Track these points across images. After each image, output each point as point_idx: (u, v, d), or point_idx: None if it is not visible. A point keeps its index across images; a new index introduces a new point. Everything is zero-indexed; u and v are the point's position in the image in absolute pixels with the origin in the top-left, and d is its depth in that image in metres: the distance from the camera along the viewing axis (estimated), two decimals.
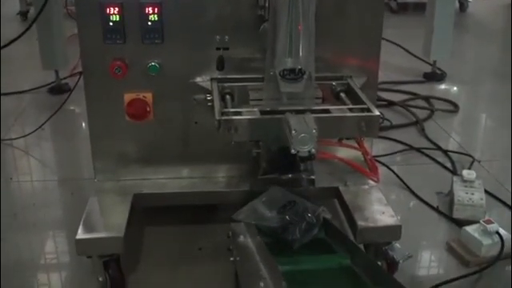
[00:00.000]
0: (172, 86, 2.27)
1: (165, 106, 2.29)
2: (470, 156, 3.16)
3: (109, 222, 2.19)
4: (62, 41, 3.88)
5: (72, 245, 2.09)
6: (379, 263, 2.11)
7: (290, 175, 2.27)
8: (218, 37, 2.22)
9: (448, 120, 3.73)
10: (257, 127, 1.98)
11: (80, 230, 2.08)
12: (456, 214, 2.61)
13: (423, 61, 4.48)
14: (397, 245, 2.18)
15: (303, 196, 2.18)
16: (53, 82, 4.05)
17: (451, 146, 3.35)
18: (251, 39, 2.22)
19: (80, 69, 2.34)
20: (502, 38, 5.19)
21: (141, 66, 2.23)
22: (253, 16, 2.20)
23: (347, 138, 2.23)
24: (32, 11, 5.41)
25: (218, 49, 2.23)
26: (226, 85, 2.21)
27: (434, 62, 4.36)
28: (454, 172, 3.00)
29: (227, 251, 2.10)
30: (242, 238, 2.00)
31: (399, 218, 2.19)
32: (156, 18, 2.18)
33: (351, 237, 2.17)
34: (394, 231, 2.15)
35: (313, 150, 1.87)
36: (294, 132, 1.85)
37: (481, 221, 2.39)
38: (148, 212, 2.43)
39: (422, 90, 4.15)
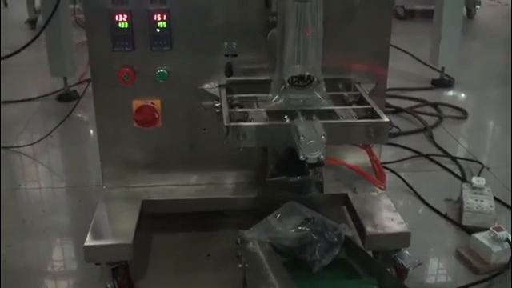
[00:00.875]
0: (180, 93, 2.28)
1: (173, 112, 2.29)
2: (479, 163, 3.15)
3: (117, 228, 2.19)
4: (71, 48, 3.90)
5: (80, 251, 2.08)
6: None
7: (298, 177, 2.23)
8: (226, 43, 2.22)
9: (457, 126, 3.72)
10: (265, 133, 1.98)
11: (88, 237, 2.08)
12: (465, 221, 2.60)
13: (431, 67, 4.47)
14: (406, 252, 2.17)
15: (313, 203, 2.16)
16: (61, 90, 4.07)
17: (460, 152, 3.34)
18: (259, 46, 2.22)
19: (88, 76, 2.35)
20: (510, 44, 5.17)
21: (149, 72, 2.23)
22: (261, 22, 2.20)
23: (356, 145, 2.22)
24: (40, 19, 5.44)
25: (226, 55, 2.23)
26: (235, 96, 2.20)
27: (442, 68, 4.35)
28: (463, 179, 2.99)
29: (236, 258, 2.10)
30: (250, 245, 1.99)
31: (408, 224, 2.17)
32: (164, 25, 2.18)
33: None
34: (403, 238, 2.14)
35: (321, 157, 1.86)
36: (302, 138, 1.84)
37: (490, 228, 2.37)
38: (156, 218, 2.43)
39: (431, 96, 4.15)
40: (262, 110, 2.05)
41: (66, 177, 3.16)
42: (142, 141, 2.34)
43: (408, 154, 3.27)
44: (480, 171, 3.06)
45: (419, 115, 3.78)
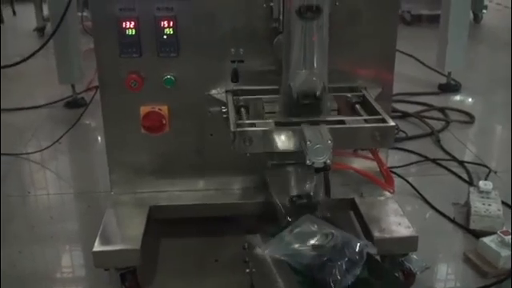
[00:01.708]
0: (187, 99, 2.29)
1: (180, 118, 2.31)
2: (486, 167, 3.14)
3: (125, 234, 2.20)
4: (79, 56, 3.93)
5: (89, 257, 2.10)
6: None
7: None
8: (232, 49, 2.24)
9: (464, 131, 3.72)
10: (272, 138, 1.98)
11: (97, 243, 2.10)
12: (473, 225, 2.59)
13: (438, 72, 4.47)
14: (414, 256, 2.17)
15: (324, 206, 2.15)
16: (69, 97, 4.09)
17: (467, 156, 3.33)
18: (265, 52, 2.23)
19: (96, 83, 2.37)
20: (510, 47, 5.17)
21: (156, 79, 2.25)
22: (267, 28, 2.21)
23: (362, 149, 2.22)
24: (48, 27, 5.48)
25: (232, 61, 2.25)
26: (241, 98, 2.22)
27: (449, 73, 4.35)
28: (470, 183, 2.99)
29: (243, 263, 2.11)
30: (258, 250, 2.00)
31: (415, 229, 2.18)
32: (171, 32, 2.20)
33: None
34: (410, 242, 2.14)
35: (328, 161, 1.87)
36: (308, 143, 1.85)
37: (498, 232, 2.37)
38: (164, 224, 2.44)
39: (437, 101, 4.15)
40: (270, 121, 2.06)
41: (74, 183, 3.18)
42: (150, 147, 2.35)
43: (415, 158, 3.27)
44: (487, 175, 3.05)
45: (426, 120, 3.78)
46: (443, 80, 4.41)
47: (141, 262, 2.10)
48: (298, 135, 1.94)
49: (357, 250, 1.80)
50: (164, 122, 2.29)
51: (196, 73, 2.27)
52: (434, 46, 4.32)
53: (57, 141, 3.39)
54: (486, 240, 2.39)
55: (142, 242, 2.10)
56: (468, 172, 3.11)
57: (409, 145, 3.41)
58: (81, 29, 4.07)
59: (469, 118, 3.87)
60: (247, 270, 2.07)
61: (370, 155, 2.30)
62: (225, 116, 2.17)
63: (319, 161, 1.86)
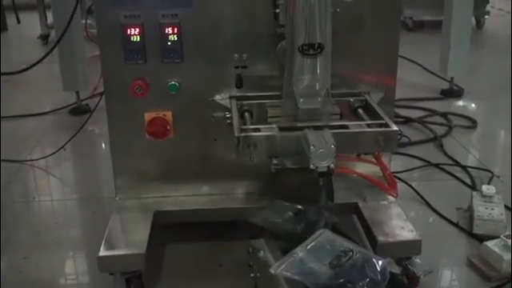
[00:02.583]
0: (191, 105, 2.31)
1: (185, 124, 2.32)
2: (489, 171, 3.15)
3: (130, 239, 2.22)
4: (83, 63, 3.95)
5: (94, 262, 2.11)
6: None
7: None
8: (236, 55, 2.26)
9: (466, 136, 3.73)
10: (275, 143, 2.00)
11: (102, 248, 2.11)
12: (476, 230, 2.60)
13: (440, 77, 4.48)
14: (417, 260, 2.18)
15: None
16: (74, 103, 4.11)
17: (470, 161, 3.34)
18: (269, 57, 2.25)
19: (100, 90, 2.38)
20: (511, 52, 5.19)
21: (161, 85, 2.27)
22: (270, 34, 2.23)
23: (365, 154, 2.23)
24: (53, 34, 5.51)
25: (236, 67, 2.27)
26: (245, 102, 2.24)
27: (452, 78, 4.36)
28: (473, 187, 3.00)
29: (248, 267, 2.12)
30: (262, 254, 2.01)
31: (419, 233, 2.19)
32: (175, 38, 2.22)
33: None
34: (414, 246, 2.15)
35: (331, 166, 1.89)
36: (312, 148, 1.87)
37: (501, 236, 2.38)
38: (169, 229, 2.45)
39: (440, 106, 4.16)
40: (274, 126, 2.08)
41: (79, 189, 3.20)
42: (154, 152, 2.37)
43: (418, 163, 3.28)
44: (490, 180, 3.06)
45: (429, 125, 3.79)
46: (446, 85, 4.42)
47: (146, 267, 2.11)
48: (301, 140, 1.95)
49: (379, 269, 1.68)
50: (168, 127, 2.31)
51: (200, 79, 2.28)
52: (437, 52, 4.34)
53: (62, 147, 3.41)
54: (489, 244, 2.39)
55: (146, 246, 2.11)
56: (471, 177, 3.12)
57: (412, 150, 3.42)
58: (84, 36, 4.09)
59: (471, 123, 3.88)
60: (252, 275, 2.09)
61: (373, 160, 2.31)
62: (228, 121, 2.18)
63: (323, 165, 1.88)
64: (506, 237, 2.36)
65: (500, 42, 6.09)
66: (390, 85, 2.39)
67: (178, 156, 2.38)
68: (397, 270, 1.80)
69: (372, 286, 1.64)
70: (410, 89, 4.31)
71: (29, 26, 6.45)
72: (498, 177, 3.11)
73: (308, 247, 1.78)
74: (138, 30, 2.20)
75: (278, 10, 2.16)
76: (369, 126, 2.12)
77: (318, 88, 2.04)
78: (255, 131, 2.04)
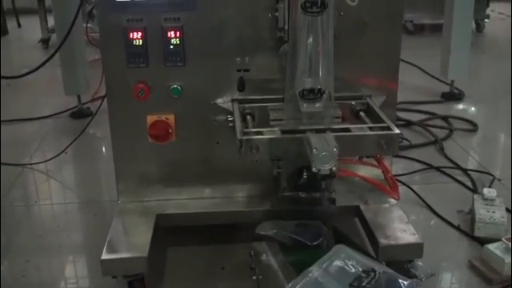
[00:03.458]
0: (194, 108, 2.32)
1: (187, 127, 2.33)
2: (490, 174, 3.16)
3: (133, 242, 2.22)
4: (84, 66, 3.96)
5: (97, 265, 2.11)
6: None
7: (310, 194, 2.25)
8: (238, 59, 2.27)
9: (467, 139, 3.73)
10: (278, 146, 2.01)
11: (105, 251, 2.12)
12: (477, 232, 2.60)
13: (441, 81, 4.49)
14: (419, 263, 2.18)
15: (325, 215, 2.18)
16: (75, 107, 4.12)
17: (471, 164, 3.34)
18: (271, 60, 2.26)
19: (102, 93, 2.39)
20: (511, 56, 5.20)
21: (163, 88, 2.28)
22: (272, 38, 2.24)
23: (367, 157, 2.24)
24: (53, 38, 5.52)
25: (238, 70, 2.27)
26: (247, 105, 2.24)
27: (452, 81, 4.37)
28: (474, 190, 3.00)
29: (250, 270, 2.12)
30: (264, 257, 2.01)
31: (420, 236, 2.19)
32: (178, 42, 2.23)
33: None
34: (415, 249, 2.16)
35: (334, 168, 1.89)
36: (314, 151, 1.88)
37: (503, 238, 2.38)
38: (171, 232, 2.46)
39: (441, 109, 4.16)
40: (276, 129, 2.09)
41: (80, 192, 3.20)
42: (157, 155, 2.38)
43: (419, 166, 3.29)
44: (491, 183, 3.07)
45: (429, 128, 3.80)
46: (446, 89, 4.42)
47: (148, 270, 2.11)
48: (304, 143, 1.96)
49: None
50: (170, 130, 2.31)
51: (202, 82, 2.29)
52: (437, 55, 4.34)
53: (63, 151, 3.41)
54: (491, 247, 2.40)
55: (149, 249, 2.11)
56: (472, 180, 3.12)
57: (413, 153, 3.43)
58: (85, 40, 4.10)
59: (472, 127, 3.89)
60: (254, 277, 2.09)
61: (375, 163, 2.31)
62: (231, 124, 2.19)
63: (325, 168, 1.89)
64: (508, 239, 2.36)
65: (500, 46, 6.10)
66: (392, 88, 2.40)
67: (180, 159, 2.38)
68: None
69: None
70: (411, 92, 4.32)
71: (29, 30, 6.45)
72: (499, 180, 3.11)
73: (324, 265, 1.65)
74: (140, 33, 2.21)
75: (277, 14, 2.17)
76: (371, 129, 2.12)
77: (320, 91, 2.04)
78: (257, 134, 2.04)
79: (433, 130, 3.78)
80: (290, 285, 1.66)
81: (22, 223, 2.85)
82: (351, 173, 2.35)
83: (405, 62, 3.88)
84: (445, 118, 4.00)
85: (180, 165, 2.40)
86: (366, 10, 2.27)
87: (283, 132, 2.06)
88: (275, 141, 2.01)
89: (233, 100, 2.30)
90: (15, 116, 4.00)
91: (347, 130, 2.10)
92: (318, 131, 2.01)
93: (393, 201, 2.37)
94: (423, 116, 4.02)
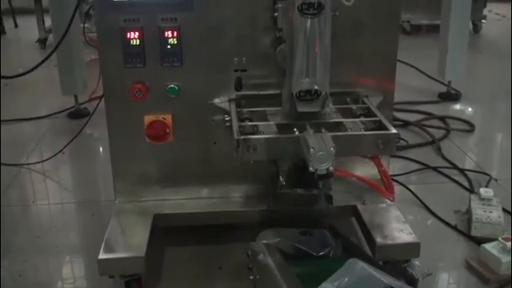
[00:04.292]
0: (191, 108, 2.32)
1: (184, 127, 2.33)
2: (487, 174, 3.16)
3: (130, 242, 2.22)
4: (82, 67, 3.96)
5: (94, 265, 2.11)
6: None
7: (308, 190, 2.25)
8: (235, 59, 2.27)
9: (464, 139, 3.74)
10: (275, 146, 2.01)
11: (102, 251, 2.12)
12: (474, 232, 2.61)
13: (438, 81, 4.50)
14: (416, 262, 2.18)
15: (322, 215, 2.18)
16: (72, 107, 4.11)
17: (468, 164, 3.35)
18: (268, 61, 2.26)
19: (99, 94, 2.38)
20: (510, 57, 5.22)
21: (160, 88, 2.28)
22: (270, 38, 2.24)
23: (364, 156, 2.24)
24: (51, 39, 5.52)
25: (235, 70, 2.27)
26: (245, 110, 2.24)
27: (449, 82, 4.37)
28: (471, 190, 3.01)
29: (247, 270, 2.13)
30: (261, 256, 2.02)
31: (417, 235, 2.19)
32: (175, 42, 2.23)
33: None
34: (412, 248, 2.17)
35: (331, 168, 1.89)
36: (312, 150, 1.88)
37: (499, 238, 2.39)
38: (168, 232, 2.46)
39: (438, 110, 4.17)
40: (272, 123, 2.09)
41: (77, 193, 3.20)
42: (154, 155, 2.38)
43: (416, 166, 3.29)
44: (488, 183, 3.07)
45: (427, 128, 3.81)
46: (443, 89, 4.43)
47: (145, 270, 2.11)
48: (301, 142, 1.96)
49: None
50: (168, 130, 2.31)
51: (199, 82, 2.29)
52: (434, 56, 4.35)
53: (60, 151, 3.41)
54: (488, 246, 2.40)
55: (146, 249, 2.12)
56: (469, 180, 3.13)
57: (410, 153, 3.43)
58: (82, 40, 4.09)
59: (469, 127, 3.89)
60: (251, 277, 2.09)
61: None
62: (228, 124, 2.19)
63: (322, 168, 1.89)
64: (505, 239, 2.36)
65: (497, 46, 6.12)
66: (389, 88, 2.40)
67: (177, 159, 2.39)
68: None
69: None
70: (408, 92, 4.32)
71: (26, 30, 6.44)
72: (496, 180, 3.12)
73: (337, 283, 1.56)
74: (137, 33, 2.21)
75: (276, 14, 2.17)
76: (364, 124, 2.13)
77: (316, 93, 2.04)
78: (253, 129, 2.05)
79: (430, 130, 3.79)
80: None
81: (20, 223, 2.85)
82: (348, 173, 2.36)
83: (402, 62, 3.90)
84: (442, 119, 4.01)
85: (177, 165, 2.40)
86: (363, 10, 2.28)
87: (279, 126, 2.06)
88: (272, 140, 2.01)
89: (230, 100, 2.30)
90: (12, 116, 3.99)
91: (340, 123, 2.11)
92: (313, 125, 2.01)
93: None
94: (420, 116, 4.02)
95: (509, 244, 2.34)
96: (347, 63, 2.31)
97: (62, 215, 2.96)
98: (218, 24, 2.24)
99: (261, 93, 2.29)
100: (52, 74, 4.11)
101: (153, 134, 2.31)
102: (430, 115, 4.05)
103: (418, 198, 2.92)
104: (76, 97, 4.07)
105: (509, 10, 6.92)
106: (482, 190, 2.74)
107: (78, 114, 4.07)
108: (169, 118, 2.31)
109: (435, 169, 3.27)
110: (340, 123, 2.12)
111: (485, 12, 6.54)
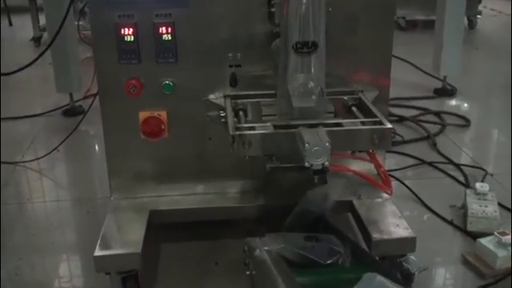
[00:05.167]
0: (186, 104, 2.31)
1: (179, 123, 2.33)
2: (482, 169, 3.17)
3: (126, 238, 2.21)
4: (77, 64, 3.94)
5: (90, 262, 2.10)
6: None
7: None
8: (230, 54, 2.26)
9: (459, 134, 3.74)
10: (270, 141, 2.01)
11: (98, 247, 2.11)
12: (470, 227, 2.61)
13: (433, 77, 4.50)
14: (412, 257, 2.18)
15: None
16: (67, 105, 4.10)
17: (463, 159, 3.36)
18: (263, 56, 2.26)
19: (94, 91, 2.38)
20: (511, 54, 5.22)
21: (155, 84, 2.27)
22: (264, 33, 2.24)
23: (360, 151, 2.24)
24: (45, 37, 5.50)
25: (230, 66, 2.27)
26: (239, 101, 2.24)
27: (445, 77, 4.38)
28: (466, 185, 3.01)
29: (244, 265, 2.12)
30: (258, 252, 2.01)
31: (413, 230, 2.20)
32: (169, 38, 2.22)
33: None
34: (408, 243, 2.16)
35: (326, 163, 1.89)
36: (307, 145, 1.87)
37: (495, 232, 2.39)
38: (164, 228, 2.45)
39: (433, 105, 4.17)
40: (268, 124, 2.08)
41: (73, 190, 3.20)
42: (149, 152, 2.37)
43: (412, 161, 3.29)
44: (483, 177, 3.08)
45: (422, 124, 3.81)
46: (439, 84, 4.44)
47: (142, 266, 2.11)
48: (296, 138, 1.96)
49: None
50: (163, 127, 2.31)
51: (194, 78, 2.29)
52: (429, 51, 4.35)
53: (55, 148, 3.40)
54: (484, 241, 2.41)
55: (142, 245, 2.11)
56: (464, 174, 3.13)
57: (405, 148, 3.43)
58: (77, 38, 4.08)
59: (464, 122, 3.90)
60: (247, 273, 2.09)
61: (367, 157, 2.32)
62: (223, 120, 2.19)
63: (318, 163, 1.89)
64: (500, 234, 2.37)
65: (492, 42, 6.13)
66: (384, 84, 2.40)
67: (172, 155, 2.38)
68: None
69: None
70: (404, 88, 4.33)
71: (21, 28, 6.43)
72: (492, 174, 3.13)
73: None
74: (131, 29, 2.20)
75: (273, 10, 2.17)
76: (363, 123, 2.12)
77: (312, 86, 2.04)
78: (250, 130, 2.04)
79: (425, 125, 3.79)
80: None
81: (15, 221, 2.84)
82: (344, 167, 2.36)
83: (397, 58, 3.91)
84: (437, 114, 4.01)
85: (173, 161, 2.39)
86: (359, 5, 2.28)
87: (276, 127, 2.05)
88: (268, 136, 2.01)
89: (225, 96, 2.29)
90: (7, 114, 3.98)
91: (339, 124, 2.09)
92: (310, 126, 2.00)
93: (386, 195, 2.38)
94: (416, 112, 4.03)
95: (504, 238, 2.34)
96: (342, 58, 2.31)
97: (57, 213, 2.95)
98: (212, 19, 2.23)
99: (256, 93, 2.28)
100: (46, 72, 4.09)
101: (148, 131, 2.30)
102: (426, 111, 4.05)
103: (413, 193, 2.93)
104: (71, 94, 4.06)
105: (503, 5, 6.94)
106: (478, 185, 2.74)
107: (73, 111, 4.06)
108: (164, 115, 2.30)
109: (431, 164, 3.27)
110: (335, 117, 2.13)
111: (480, 8, 6.56)
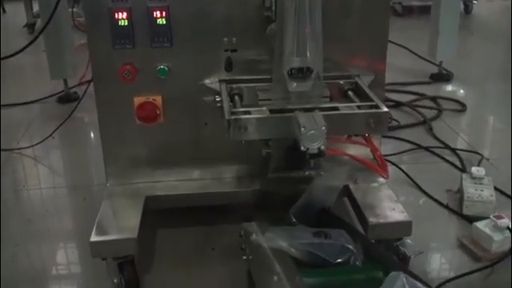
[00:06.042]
0: (181, 89, 2.30)
1: (174, 108, 2.32)
2: (478, 154, 3.17)
3: (122, 224, 2.21)
4: (71, 51, 3.92)
5: (86, 248, 2.10)
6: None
7: (299, 172, 2.25)
8: (225, 39, 2.25)
9: (456, 119, 3.74)
10: (266, 126, 2.00)
11: (94, 233, 2.11)
12: (466, 211, 2.62)
13: (429, 62, 4.49)
14: (408, 240, 2.19)
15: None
16: (61, 92, 4.08)
17: (459, 144, 3.36)
18: (259, 40, 2.24)
19: (88, 78, 2.36)
20: (507, 39, 5.21)
21: (150, 69, 2.26)
22: (260, 17, 2.22)
23: (356, 135, 2.24)
24: (39, 23, 5.46)
25: (225, 50, 2.26)
26: (235, 86, 2.23)
27: (441, 62, 4.37)
28: (462, 170, 3.01)
29: (240, 250, 2.12)
30: (254, 237, 2.01)
31: (409, 214, 2.20)
32: (164, 22, 2.21)
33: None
34: (404, 227, 2.17)
35: (322, 147, 1.89)
36: (303, 129, 1.87)
37: (491, 216, 2.40)
38: (161, 214, 2.45)
39: (429, 90, 4.17)
40: (264, 108, 2.07)
41: (68, 177, 3.18)
42: (145, 137, 2.36)
43: (408, 146, 3.30)
44: (479, 162, 3.08)
45: (418, 109, 3.81)
46: (435, 70, 4.43)
47: (138, 251, 2.11)
48: (292, 122, 1.95)
49: None
50: (158, 112, 2.30)
51: (189, 62, 2.28)
52: (426, 37, 4.34)
53: (50, 135, 3.39)
54: (479, 225, 2.41)
55: (138, 231, 2.10)
56: (460, 159, 3.14)
57: (401, 133, 3.43)
58: (72, 25, 4.05)
59: (461, 107, 3.90)
60: (244, 257, 2.09)
61: (364, 141, 2.31)
62: (219, 105, 2.18)
63: (313, 147, 1.88)
64: (496, 217, 2.37)
65: (488, 27, 6.11)
66: (380, 68, 2.39)
67: (168, 141, 2.37)
68: None
69: None
70: (400, 73, 4.33)
71: (14, 15, 6.38)
72: (488, 159, 3.13)
73: None
74: (125, 13, 2.18)
75: None
76: (359, 107, 2.12)
77: (308, 71, 2.03)
78: (246, 114, 2.03)
79: (422, 110, 3.79)
80: None
81: (11, 208, 2.83)
82: (340, 151, 2.35)
83: (393, 43, 3.89)
84: (433, 99, 4.01)
85: (168, 146, 2.38)
86: None
87: (271, 111, 2.04)
88: (263, 120, 2.00)
89: (220, 80, 2.28)
90: (2, 102, 3.95)
91: (336, 108, 2.09)
92: (306, 110, 2.00)
93: (382, 180, 2.38)
94: (412, 97, 4.03)
95: (500, 222, 2.34)
96: (339, 43, 2.29)
97: (53, 199, 2.95)
98: (207, 3, 2.22)
99: (251, 77, 2.27)
100: (40, 59, 4.06)
101: (143, 116, 2.29)
102: (422, 96, 4.05)
103: (409, 177, 2.93)
104: (65, 81, 4.04)
105: None
106: (474, 169, 2.74)
107: (67, 98, 4.05)
108: (159, 100, 2.29)
109: (427, 149, 3.27)
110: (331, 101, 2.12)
111: None
